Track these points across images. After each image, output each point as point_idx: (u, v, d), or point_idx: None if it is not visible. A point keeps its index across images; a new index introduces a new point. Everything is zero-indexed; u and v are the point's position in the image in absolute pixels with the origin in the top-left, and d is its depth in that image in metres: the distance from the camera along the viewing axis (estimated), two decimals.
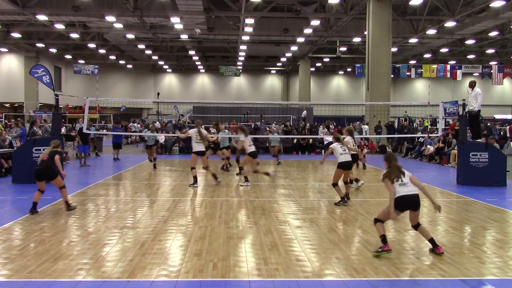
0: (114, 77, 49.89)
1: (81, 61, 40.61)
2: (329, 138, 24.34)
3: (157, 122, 35.04)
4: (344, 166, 9.29)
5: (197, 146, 11.63)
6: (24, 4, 24.24)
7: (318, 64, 46.94)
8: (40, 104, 41.44)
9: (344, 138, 10.66)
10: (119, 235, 6.78)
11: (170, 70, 52.34)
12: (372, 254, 5.82)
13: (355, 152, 10.78)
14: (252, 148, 11.67)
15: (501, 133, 28.71)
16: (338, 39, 34.17)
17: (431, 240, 5.92)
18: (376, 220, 5.99)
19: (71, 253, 5.87)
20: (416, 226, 5.98)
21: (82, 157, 16.68)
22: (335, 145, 9.48)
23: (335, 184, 9.29)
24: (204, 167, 12.10)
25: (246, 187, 11.54)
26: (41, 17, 26.10)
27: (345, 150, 9.33)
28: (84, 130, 15.89)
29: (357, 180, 11.69)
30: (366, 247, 6.24)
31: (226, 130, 16.13)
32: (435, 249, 5.87)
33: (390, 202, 5.83)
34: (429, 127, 27.73)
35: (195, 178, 11.52)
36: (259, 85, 53.50)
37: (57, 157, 8.33)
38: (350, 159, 9.42)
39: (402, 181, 5.89)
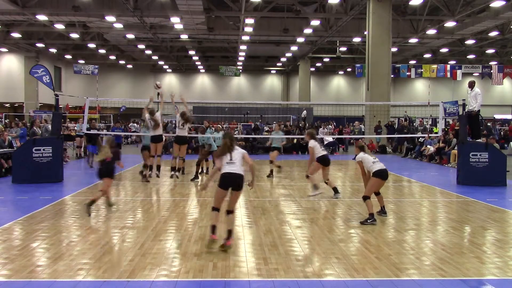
0: (114, 77, 49.86)
1: (81, 61, 40.58)
2: (329, 138, 24.42)
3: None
4: (382, 175, 7.87)
5: (179, 131, 12.65)
6: (24, 4, 24.23)
7: (318, 64, 46.93)
8: (40, 104, 41.42)
9: (308, 142, 10.20)
10: (119, 235, 6.78)
11: (170, 70, 52.30)
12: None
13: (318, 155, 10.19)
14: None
15: (501, 133, 28.72)
16: (338, 39, 34.15)
17: (230, 231, 6.04)
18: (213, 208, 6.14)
19: (71, 253, 5.87)
20: (229, 212, 6.12)
21: (89, 156, 16.36)
22: (363, 156, 8.23)
23: (367, 197, 7.79)
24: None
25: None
26: (41, 17, 26.08)
27: (375, 158, 8.12)
28: (84, 130, 15.93)
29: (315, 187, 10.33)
30: (366, 247, 6.25)
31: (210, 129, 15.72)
32: (226, 240, 5.96)
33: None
34: (429, 127, 27.72)
35: (173, 168, 12.37)
36: (259, 85, 53.48)
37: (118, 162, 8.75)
38: (385, 166, 7.98)
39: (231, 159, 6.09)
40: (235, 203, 6.18)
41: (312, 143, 10.09)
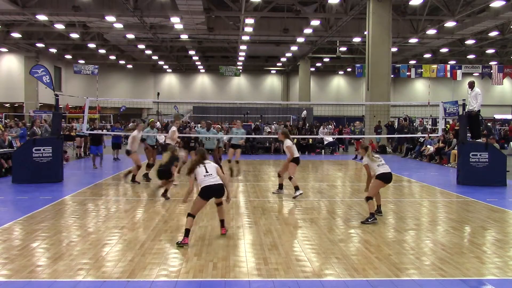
0: (114, 77, 49.88)
1: (81, 61, 40.59)
2: (329, 138, 24.42)
3: (158, 122, 35.07)
4: (385, 179, 7.92)
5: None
6: (24, 4, 24.23)
7: (318, 64, 46.93)
8: (40, 104, 41.43)
9: (283, 142, 10.46)
10: (119, 235, 6.78)
11: (170, 70, 52.33)
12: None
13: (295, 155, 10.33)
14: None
15: (501, 133, 28.72)
16: (338, 39, 34.15)
17: (222, 221, 6.89)
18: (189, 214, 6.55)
19: (71, 253, 5.87)
20: (219, 204, 6.87)
21: (97, 156, 16.24)
22: (368, 161, 8.10)
23: (369, 198, 7.86)
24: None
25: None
26: (41, 17, 26.08)
27: (381, 160, 8.08)
28: (84, 131, 15.92)
29: (297, 188, 10.25)
30: (366, 247, 6.25)
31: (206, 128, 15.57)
32: (221, 229, 6.84)
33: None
34: (429, 128, 27.73)
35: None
36: (259, 85, 53.49)
37: (175, 163, 10.03)
38: (389, 170, 8.03)
39: (207, 172, 6.56)
40: (221, 201, 6.87)
41: (288, 142, 10.32)
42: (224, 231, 6.81)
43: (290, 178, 10.23)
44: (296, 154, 10.32)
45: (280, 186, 10.70)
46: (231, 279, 5.00)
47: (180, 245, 6.18)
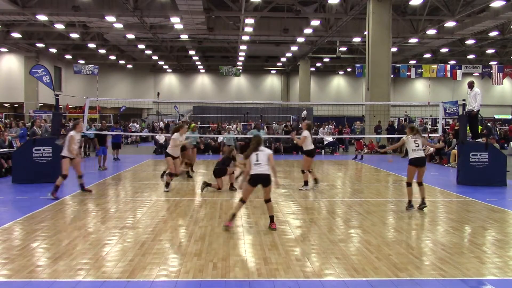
0: (114, 77, 49.88)
1: (81, 61, 40.60)
2: (329, 138, 24.42)
3: (161, 122, 35.12)
4: (416, 163, 8.50)
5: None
6: (24, 4, 24.23)
7: (318, 64, 46.94)
8: (40, 104, 41.43)
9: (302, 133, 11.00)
10: (119, 235, 6.78)
11: (170, 70, 52.33)
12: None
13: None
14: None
15: (501, 133, 28.71)
16: (338, 39, 34.16)
17: (271, 217, 7.14)
18: (241, 200, 7.15)
19: (71, 253, 5.87)
20: (267, 201, 7.12)
21: (100, 160, 16.27)
22: (409, 138, 8.61)
23: (408, 184, 8.65)
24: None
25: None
26: (41, 17, 26.08)
27: (418, 146, 8.55)
28: (84, 131, 15.88)
29: (306, 183, 11.05)
30: (366, 247, 6.25)
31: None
32: (270, 224, 7.09)
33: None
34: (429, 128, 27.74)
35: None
36: (259, 85, 53.50)
37: (231, 164, 10.81)
38: (424, 155, 8.67)
39: (257, 160, 6.95)
40: (268, 194, 7.12)
41: (305, 132, 10.94)
42: (274, 226, 7.05)
43: (302, 171, 10.97)
44: (309, 146, 10.68)
45: (306, 183, 11.11)
46: (231, 279, 5.00)
47: (225, 227, 6.90)
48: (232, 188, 10.88)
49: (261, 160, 6.95)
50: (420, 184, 8.78)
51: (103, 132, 16.58)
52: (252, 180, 6.99)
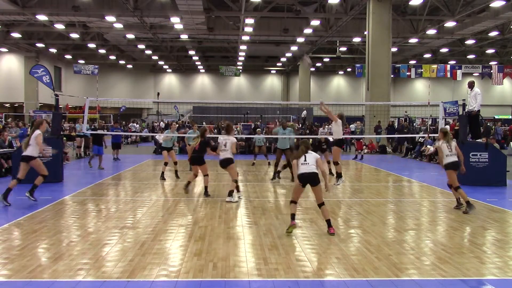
0: (114, 77, 49.89)
1: (81, 61, 40.62)
2: (330, 138, 24.35)
3: (161, 122, 35.14)
4: (454, 167, 8.79)
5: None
6: (24, 4, 24.25)
7: (318, 64, 46.93)
8: (40, 104, 41.45)
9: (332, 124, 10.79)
10: (119, 235, 6.78)
11: (170, 70, 52.34)
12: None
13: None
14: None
15: (501, 133, 28.69)
16: (338, 39, 34.17)
17: (328, 221, 6.95)
18: (291, 201, 7.10)
19: (71, 253, 5.87)
20: (320, 205, 7.00)
21: (92, 157, 16.30)
22: (443, 145, 8.89)
23: (457, 187, 8.79)
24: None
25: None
26: (41, 17, 26.10)
27: (451, 151, 8.83)
28: (84, 131, 15.90)
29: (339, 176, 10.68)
30: (366, 247, 6.24)
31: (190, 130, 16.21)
32: (329, 229, 6.91)
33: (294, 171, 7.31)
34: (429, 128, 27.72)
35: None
36: (259, 85, 53.50)
37: (208, 148, 10.13)
38: (457, 159, 8.84)
39: (305, 160, 6.99)
40: (320, 197, 6.98)
41: (339, 122, 10.78)
42: (332, 230, 6.86)
43: (335, 163, 10.49)
44: (340, 135, 10.42)
45: (339, 175, 10.49)
46: (231, 279, 4.99)
47: (289, 229, 6.87)
48: (206, 193, 10.12)
49: (309, 160, 7.00)
50: (457, 188, 8.85)
51: (98, 132, 16.56)
52: (299, 179, 6.98)
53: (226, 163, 9.84)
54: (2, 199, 9.03)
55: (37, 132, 9.44)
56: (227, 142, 9.88)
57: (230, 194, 9.59)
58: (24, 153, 9.28)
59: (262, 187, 11.89)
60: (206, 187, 10.21)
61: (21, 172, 9.19)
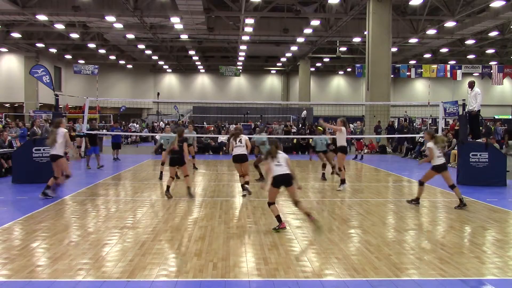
0: (114, 77, 49.89)
1: (81, 61, 40.61)
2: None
3: (161, 122, 35.16)
4: (439, 169, 8.96)
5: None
6: (24, 4, 24.24)
7: (318, 64, 46.95)
8: (40, 104, 41.44)
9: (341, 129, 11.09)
10: (119, 235, 6.78)
11: (170, 70, 52.34)
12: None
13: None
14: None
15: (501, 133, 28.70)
16: (338, 39, 34.17)
17: (307, 214, 7.04)
18: (269, 204, 7.15)
19: (71, 253, 5.87)
20: (296, 203, 7.11)
21: (89, 158, 16.32)
22: (434, 146, 9.03)
23: (453, 186, 9.05)
24: None
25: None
26: (41, 17, 26.10)
27: (440, 152, 9.04)
28: (84, 131, 15.91)
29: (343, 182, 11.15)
30: (366, 247, 6.24)
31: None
32: (309, 218, 6.98)
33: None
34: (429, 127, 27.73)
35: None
36: (259, 85, 53.51)
37: (185, 144, 9.84)
38: (444, 160, 9.09)
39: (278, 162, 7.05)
40: (296, 195, 7.11)
41: (343, 129, 11.11)
42: (312, 218, 7.00)
43: (339, 169, 11.02)
44: (343, 142, 10.84)
45: (342, 181, 11.05)
46: (231, 279, 4.99)
47: (277, 230, 6.94)
48: (189, 194, 9.83)
49: (281, 161, 7.07)
50: (453, 186, 9.08)
51: (92, 132, 16.57)
52: (275, 181, 7.04)
53: (241, 159, 10.22)
54: (49, 193, 9.59)
55: (63, 130, 9.81)
56: (242, 139, 10.35)
57: (243, 188, 10.22)
58: (52, 152, 9.72)
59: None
60: (189, 188, 9.90)
61: (65, 168, 9.83)
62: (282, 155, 7.13)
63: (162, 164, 13.24)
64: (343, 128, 11.10)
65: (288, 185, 7.02)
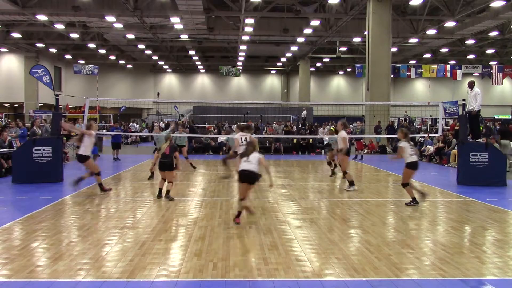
0: (114, 77, 49.90)
1: (81, 61, 40.62)
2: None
3: (161, 122, 35.15)
4: (414, 167, 9.15)
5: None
6: (24, 4, 24.25)
7: (318, 64, 46.95)
8: (40, 104, 41.45)
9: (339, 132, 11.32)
10: (119, 235, 6.78)
11: (170, 70, 52.35)
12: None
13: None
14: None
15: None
16: (338, 39, 34.18)
17: (239, 212, 7.45)
18: (240, 199, 7.51)
19: (71, 253, 5.87)
20: (242, 199, 7.44)
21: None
22: (406, 145, 9.18)
23: (405, 185, 9.26)
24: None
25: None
26: (41, 17, 26.11)
27: (413, 150, 9.25)
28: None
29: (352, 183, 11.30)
30: (366, 247, 6.24)
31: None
32: (235, 218, 7.44)
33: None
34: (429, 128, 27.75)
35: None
36: (259, 85, 53.51)
37: (176, 153, 9.85)
38: (417, 158, 9.30)
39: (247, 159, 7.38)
40: (247, 194, 7.47)
41: (343, 133, 11.33)
42: (238, 220, 7.40)
43: (344, 173, 11.18)
44: (347, 144, 11.08)
45: (351, 183, 11.16)
46: (231, 279, 4.99)
47: (236, 222, 7.36)
48: (167, 196, 9.70)
49: (251, 159, 7.39)
50: (406, 185, 9.32)
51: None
52: (239, 176, 7.40)
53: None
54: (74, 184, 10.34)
55: (92, 132, 10.45)
56: (247, 137, 10.61)
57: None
58: (79, 153, 10.42)
59: (262, 187, 11.88)
60: (168, 191, 9.71)
61: (93, 168, 10.47)
62: (255, 155, 7.43)
63: (154, 164, 13.32)
64: (342, 131, 11.29)
65: (251, 182, 7.33)
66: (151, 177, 13.03)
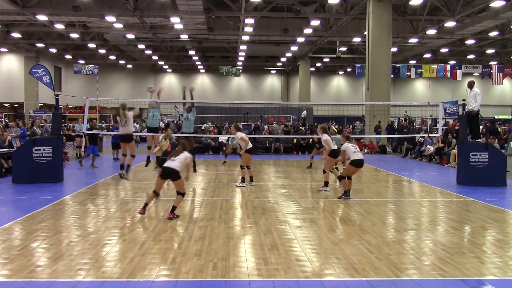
0: (114, 77, 49.89)
1: (81, 61, 40.60)
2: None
3: (161, 122, 35.13)
4: (358, 164, 9.85)
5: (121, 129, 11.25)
6: (24, 4, 24.24)
7: (318, 64, 46.93)
8: (40, 104, 41.44)
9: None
10: (119, 235, 6.78)
11: (170, 70, 52.34)
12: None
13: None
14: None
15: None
16: (338, 39, 34.16)
17: (174, 207, 7.83)
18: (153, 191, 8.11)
19: (71, 253, 5.87)
20: (178, 193, 7.87)
21: (85, 157, 16.53)
22: (347, 146, 9.96)
23: (342, 177, 10.13)
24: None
25: (242, 188, 11.46)
26: (41, 17, 26.10)
27: (356, 149, 9.99)
28: (84, 130, 15.90)
29: (326, 184, 11.36)
30: (366, 247, 6.24)
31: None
32: (169, 213, 7.80)
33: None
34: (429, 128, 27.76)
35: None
36: (259, 85, 53.50)
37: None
38: (362, 157, 10.01)
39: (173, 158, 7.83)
40: (179, 188, 7.85)
41: (325, 136, 11.22)
42: (169, 215, 7.76)
43: (324, 171, 11.36)
44: (334, 146, 11.18)
45: (326, 184, 11.27)
46: (231, 279, 5.00)
47: (140, 213, 7.91)
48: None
49: (178, 157, 7.84)
50: (349, 178, 10.06)
51: (93, 132, 16.56)
52: (162, 172, 7.96)
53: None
54: (124, 175, 10.69)
55: (131, 113, 11.13)
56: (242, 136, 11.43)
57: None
58: (125, 132, 10.96)
59: (262, 187, 11.89)
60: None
61: (132, 149, 10.84)
62: (184, 154, 7.87)
63: (149, 148, 13.47)
64: (324, 134, 11.16)
65: (173, 179, 7.75)
66: (147, 164, 13.38)
